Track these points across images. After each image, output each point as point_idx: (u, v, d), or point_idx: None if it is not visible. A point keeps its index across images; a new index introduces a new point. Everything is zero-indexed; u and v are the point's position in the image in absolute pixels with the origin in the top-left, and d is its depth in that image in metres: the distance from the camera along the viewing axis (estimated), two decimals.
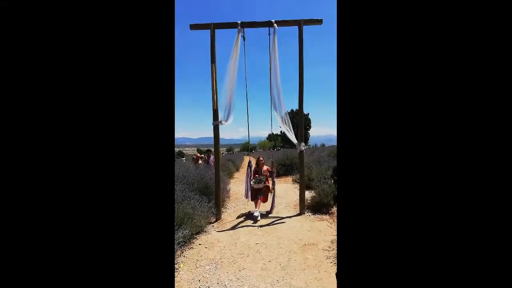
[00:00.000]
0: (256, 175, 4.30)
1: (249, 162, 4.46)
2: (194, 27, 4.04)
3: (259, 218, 3.92)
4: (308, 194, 4.58)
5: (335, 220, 3.53)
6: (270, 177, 4.34)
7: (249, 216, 4.17)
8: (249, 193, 4.24)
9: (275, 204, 4.35)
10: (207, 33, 3.98)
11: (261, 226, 3.63)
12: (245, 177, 4.47)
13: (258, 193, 4.21)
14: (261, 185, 4.22)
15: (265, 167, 4.43)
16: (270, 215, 4.14)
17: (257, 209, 4.08)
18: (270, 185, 4.31)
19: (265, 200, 4.30)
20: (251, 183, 4.21)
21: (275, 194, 4.36)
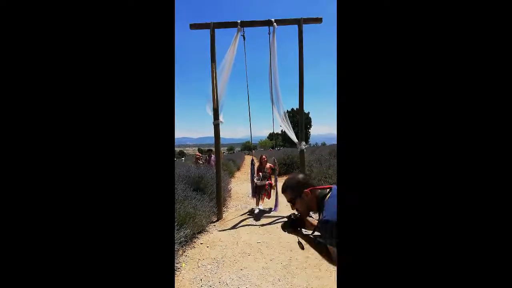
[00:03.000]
0: (260, 173, 4.45)
1: (252, 160, 4.60)
2: (194, 26, 4.03)
3: (260, 213, 4.07)
4: None
5: None
6: (272, 174, 4.47)
7: (251, 212, 4.28)
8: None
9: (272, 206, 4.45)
10: (207, 32, 3.98)
11: (262, 225, 3.64)
12: (249, 177, 4.72)
13: (261, 189, 4.34)
14: (264, 182, 4.34)
15: (267, 165, 4.56)
16: (272, 213, 4.23)
17: (259, 205, 4.21)
18: (273, 182, 4.41)
19: (268, 196, 4.42)
20: (255, 180, 4.38)
21: (278, 191, 4.41)
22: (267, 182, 4.38)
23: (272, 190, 4.44)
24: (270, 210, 4.35)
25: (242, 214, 4.24)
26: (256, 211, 4.12)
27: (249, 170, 4.69)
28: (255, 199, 4.42)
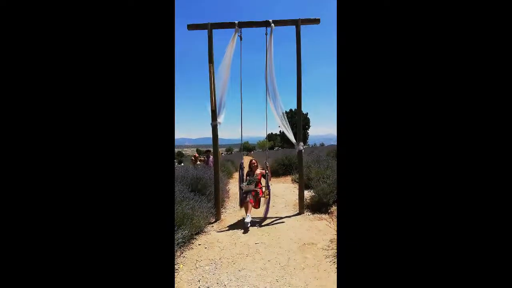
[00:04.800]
0: (248, 177, 3.97)
1: (241, 164, 4.11)
2: (191, 27, 4.03)
3: (249, 225, 3.47)
4: (307, 194, 4.58)
5: (334, 220, 3.53)
6: (264, 179, 3.95)
7: (240, 223, 3.73)
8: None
9: (275, 204, 4.12)
10: (204, 33, 3.98)
11: (260, 226, 3.63)
12: (238, 183, 3.97)
13: (248, 195, 3.77)
14: (251, 187, 3.82)
15: (258, 171, 4.06)
16: (270, 214, 3.93)
17: (248, 214, 3.58)
18: (264, 190, 3.88)
19: (256, 205, 3.85)
20: (241, 185, 3.86)
21: (270, 200, 3.92)
22: (254, 188, 3.81)
23: (263, 198, 3.85)
24: (260, 220, 3.79)
25: (240, 216, 4.23)
26: (247, 219, 3.51)
27: (245, 172, 4.11)
28: (243, 207, 3.80)
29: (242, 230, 3.44)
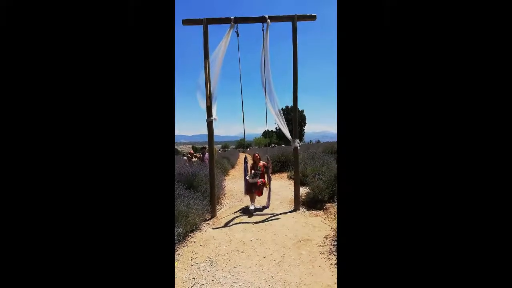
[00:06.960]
0: (252, 170, 4.40)
1: (245, 158, 4.64)
2: (186, 22, 3.97)
3: (253, 211, 4.04)
4: (303, 190, 4.60)
5: (329, 216, 3.55)
6: (265, 172, 4.43)
7: (245, 210, 4.27)
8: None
9: (271, 200, 4.41)
10: (200, 29, 3.93)
11: (256, 222, 3.63)
12: (243, 174, 4.66)
13: (253, 187, 4.30)
14: (256, 179, 4.30)
15: (261, 163, 4.51)
16: (265, 210, 4.22)
17: (252, 203, 4.22)
18: (266, 180, 4.39)
19: (260, 193, 4.40)
20: (247, 178, 4.33)
21: (271, 189, 4.40)
22: (259, 179, 4.35)
23: (265, 188, 4.40)
24: (263, 208, 4.34)
25: (236, 212, 4.24)
26: (251, 207, 4.15)
27: (250, 165, 4.68)
28: (248, 196, 4.45)
29: (247, 216, 3.94)
